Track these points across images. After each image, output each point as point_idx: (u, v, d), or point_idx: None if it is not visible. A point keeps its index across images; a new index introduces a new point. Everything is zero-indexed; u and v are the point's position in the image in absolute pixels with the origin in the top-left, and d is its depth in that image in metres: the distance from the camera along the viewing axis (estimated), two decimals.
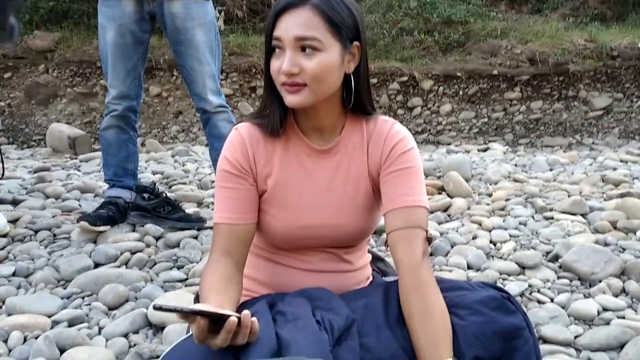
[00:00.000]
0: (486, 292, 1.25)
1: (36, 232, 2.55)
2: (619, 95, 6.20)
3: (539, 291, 2.00)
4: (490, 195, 3.20)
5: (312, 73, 1.21)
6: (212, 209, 2.76)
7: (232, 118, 2.59)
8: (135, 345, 1.71)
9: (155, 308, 0.96)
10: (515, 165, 4.15)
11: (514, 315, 1.20)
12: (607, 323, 1.77)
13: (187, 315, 1.02)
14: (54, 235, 2.54)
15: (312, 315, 1.19)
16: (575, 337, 1.72)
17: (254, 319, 1.06)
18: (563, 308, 1.87)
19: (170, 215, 2.64)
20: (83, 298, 1.99)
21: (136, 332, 1.79)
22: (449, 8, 6.74)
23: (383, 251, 2.28)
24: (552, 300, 1.94)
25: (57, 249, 2.38)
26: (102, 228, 2.47)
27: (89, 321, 1.85)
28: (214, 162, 2.54)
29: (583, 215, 2.77)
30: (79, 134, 4.94)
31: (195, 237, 2.52)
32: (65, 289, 2.05)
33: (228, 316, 1.01)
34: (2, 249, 2.38)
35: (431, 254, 2.36)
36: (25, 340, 1.72)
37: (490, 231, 2.59)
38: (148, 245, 2.42)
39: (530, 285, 2.03)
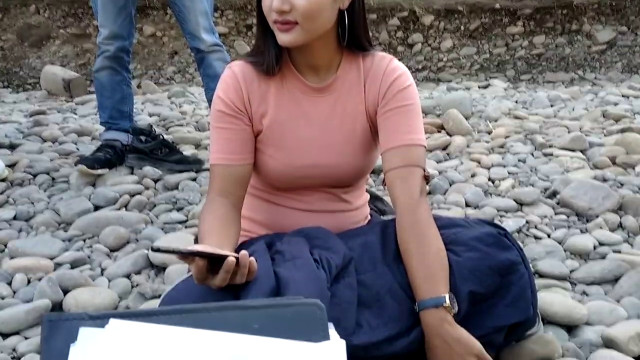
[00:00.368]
0: (482, 228, 1.25)
1: (35, 176, 2.55)
2: (624, 29, 6.06)
3: (536, 227, 2.02)
4: (490, 132, 3.18)
5: (303, 10, 1.17)
6: (210, 151, 2.75)
7: (227, 57, 2.54)
8: (137, 285, 1.73)
9: (154, 250, 0.96)
10: (516, 101, 4.10)
11: (509, 251, 1.21)
12: (603, 257, 1.79)
13: (186, 256, 1.03)
14: (53, 178, 2.54)
15: (310, 254, 1.20)
16: (571, 271, 1.74)
17: (252, 258, 1.07)
18: (559, 243, 1.89)
19: (168, 157, 2.63)
20: (84, 240, 2.01)
21: (138, 272, 1.81)
22: None
23: (381, 190, 2.29)
24: (549, 236, 1.96)
25: (57, 193, 2.39)
26: (100, 171, 2.46)
27: (91, 263, 1.87)
28: (210, 103, 2.51)
29: (582, 151, 2.75)
30: (74, 76, 4.87)
31: (194, 179, 2.52)
32: (66, 231, 2.07)
33: (226, 256, 1.02)
34: (2, 193, 2.38)
35: (430, 193, 2.37)
36: (28, 282, 1.74)
37: (489, 169, 2.59)
38: (147, 188, 2.43)
39: (527, 222, 2.05)
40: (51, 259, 1.86)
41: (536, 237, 1.96)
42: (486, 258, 1.18)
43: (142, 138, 2.64)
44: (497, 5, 5.99)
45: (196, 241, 1.42)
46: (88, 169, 2.43)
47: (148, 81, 5.60)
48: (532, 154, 2.78)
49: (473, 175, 2.53)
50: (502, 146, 2.91)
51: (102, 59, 2.51)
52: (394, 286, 1.20)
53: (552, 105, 3.92)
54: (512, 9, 6.01)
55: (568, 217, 2.09)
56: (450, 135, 3.07)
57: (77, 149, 2.93)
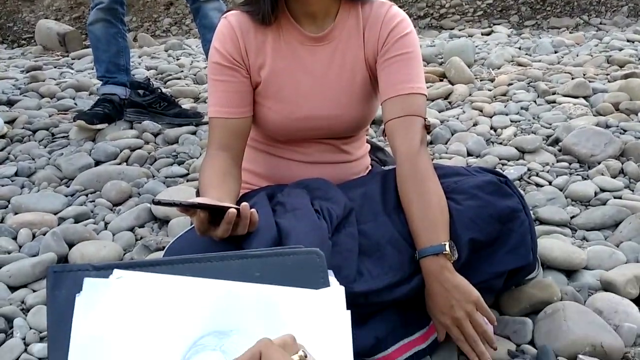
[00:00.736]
0: (483, 176, 1.25)
1: (34, 132, 2.55)
2: None
3: (537, 175, 2.02)
4: (492, 80, 3.14)
5: None
6: (208, 104, 2.73)
7: (223, 7, 2.49)
8: (141, 238, 1.75)
9: (155, 203, 0.97)
10: (519, 48, 4.04)
11: (510, 198, 1.21)
12: (604, 203, 1.80)
13: (187, 208, 1.03)
14: (52, 134, 2.53)
15: (311, 204, 1.20)
16: (572, 217, 1.75)
17: (253, 210, 1.08)
18: (561, 190, 1.89)
19: (167, 111, 2.61)
20: (87, 195, 2.02)
21: (141, 226, 1.83)
22: None
23: (382, 141, 2.28)
24: (550, 183, 1.96)
25: (57, 148, 2.39)
26: (99, 126, 2.45)
27: (95, 217, 1.89)
28: (207, 54, 2.48)
29: (586, 97, 2.73)
30: (68, 30, 4.79)
31: (194, 133, 2.51)
32: (68, 187, 2.08)
33: (227, 208, 1.02)
34: (2, 149, 2.39)
35: (431, 142, 2.36)
36: (33, 237, 1.76)
37: (491, 117, 2.57)
38: (147, 142, 2.42)
39: (529, 170, 2.05)
40: (55, 214, 1.88)
41: (537, 185, 1.96)
42: (487, 206, 1.19)
43: (140, 92, 2.62)
44: None
45: (197, 194, 1.42)
46: (87, 124, 2.41)
47: (144, 34, 5.51)
48: (535, 102, 2.76)
49: (475, 124, 2.51)
50: (504, 94, 2.88)
51: (96, 11, 2.46)
52: (394, 235, 1.21)
53: (555, 52, 3.86)
54: None
55: (570, 164, 2.08)
56: (452, 84, 3.04)
57: (75, 104, 2.92)
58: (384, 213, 1.24)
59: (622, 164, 2.04)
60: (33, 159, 2.29)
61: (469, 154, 2.23)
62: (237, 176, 1.29)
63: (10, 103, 2.91)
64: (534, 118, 2.55)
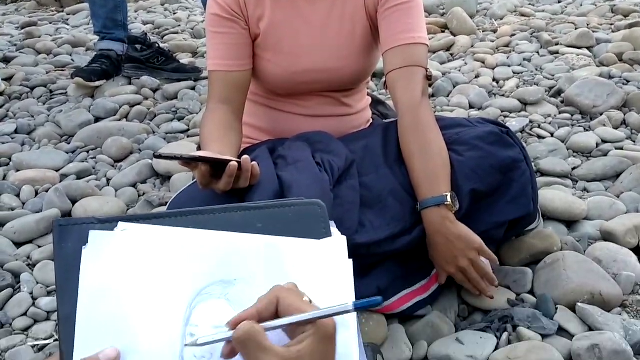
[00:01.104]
0: (485, 127, 1.25)
1: (32, 89, 2.53)
2: None
3: (539, 126, 2.01)
4: (495, 31, 3.09)
5: None
6: (207, 58, 2.70)
7: None
8: (144, 194, 1.76)
9: (156, 156, 0.97)
10: None
11: (511, 149, 1.21)
12: (605, 154, 1.80)
13: (188, 162, 1.03)
14: (51, 91, 2.51)
15: (312, 157, 1.20)
16: (573, 168, 1.75)
17: (255, 163, 1.08)
18: (562, 142, 1.89)
19: (165, 66, 2.58)
20: (88, 152, 2.02)
21: (144, 182, 1.83)
22: None
23: (383, 94, 2.26)
24: (552, 135, 1.95)
25: (56, 105, 2.37)
26: (97, 83, 2.43)
27: (97, 173, 1.89)
28: (205, 7, 2.43)
29: (589, 48, 2.69)
30: None
31: (193, 88, 2.49)
32: (68, 143, 2.08)
33: (228, 161, 1.02)
34: (1, 107, 2.37)
35: (433, 95, 2.34)
36: (36, 193, 1.77)
37: (493, 69, 2.54)
38: (146, 98, 2.40)
39: (531, 121, 2.04)
40: (56, 170, 1.88)
41: (539, 137, 1.95)
42: (488, 156, 1.19)
43: (138, 47, 2.58)
44: None
45: (199, 149, 1.42)
46: (85, 82, 2.39)
47: None
48: (538, 53, 2.72)
49: (477, 76, 2.49)
50: (507, 45, 2.84)
51: None
52: (396, 187, 1.21)
53: (559, 1, 3.77)
54: None
55: (572, 115, 2.07)
56: (454, 35, 2.99)
57: (73, 61, 2.88)
58: (385, 165, 1.24)
59: (625, 114, 2.03)
60: (32, 116, 2.28)
61: (471, 107, 2.22)
62: (238, 130, 1.28)
63: (6, 60, 2.88)
64: (536, 69, 2.53)
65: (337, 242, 0.63)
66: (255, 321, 0.53)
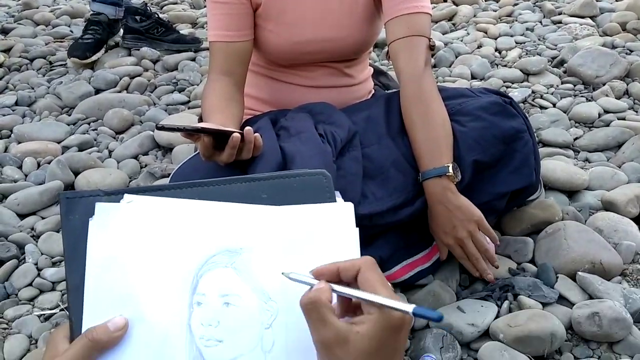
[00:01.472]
0: (488, 97, 1.24)
1: (31, 60, 2.51)
2: None
3: (541, 97, 2.00)
4: (497, 0, 3.05)
5: None
6: (207, 29, 2.67)
7: None
8: (146, 165, 1.76)
9: (158, 128, 0.97)
10: None
11: (514, 119, 1.21)
12: (607, 125, 1.79)
13: (191, 133, 1.03)
14: (50, 62, 2.49)
15: (315, 129, 1.20)
16: (575, 139, 1.75)
17: (257, 134, 1.07)
18: (564, 112, 1.88)
19: (165, 37, 2.56)
20: (89, 124, 2.01)
21: (145, 153, 1.83)
22: None
23: (385, 65, 2.24)
24: (554, 105, 1.95)
25: (56, 77, 2.36)
26: (93, 58, 2.41)
27: (98, 145, 1.89)
28: None
29: (592, 17, 2.66)
30: None
31: (193, 59, 2.47)
32: (69, 115, 2.07)
33: (231, 132, 1.02)
34: (0, 79, 2.36)
35: (435, 66, 2.32)
36: (38, 165, 1.77)
37: (496, 39, 2.52)
38: (146, 69, 2.39)
39: (533, 92, 2.03)
40: (58, 142, 1.88)
41: (541, 107, 1.95)
42: (491, 127, 1.18)
43: (137, 17, 2.55)
44: None
45: (200, 121, 1.42)
46: (80, 60, 2.37)
47: None
48: (541, 22, 2.69)
49: (479, 46, 2.47)
50: (509, 15, 2.81)
51: None
52: (398, 158, 1.21)
53: None
54: None
55: (574, 85, 2.06)
56: (456, 5, 2.95)
57: (71, 32, 2.85)
58: (387, 136, 1.24)
59: (627, 85, 2.02)
60: (32, 88, 2.27)
61: (473, 77, 2.20)
62: (240, 101, 1.28)
63: (4, 31, 2.85)
64: (539, 39, 2.50)
65: (343, 208, 0.63)
66: (333, 278, 0.54)
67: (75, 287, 0.58)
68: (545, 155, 1.64)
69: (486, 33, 2.59)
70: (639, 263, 1.29)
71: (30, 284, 1.36)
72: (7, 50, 2.57)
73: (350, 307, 0.55)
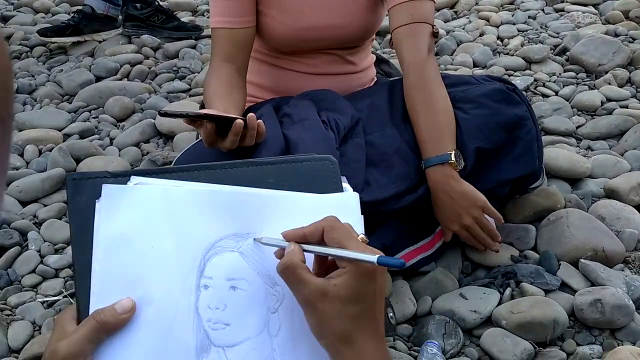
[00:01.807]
0: (491, 85, 1.24)
1: (31, 48, 2.50)
2: None
3: (544, 85, 1.99)
4: None
5: None
6: (208, 17, 2.65)
7: None
8: (147, 153, 1.76)
9: (161, 114, 0.96)
10: None
11: (517, 106, 1.20)
12: (610, 113, 1.79)
13: (194, 120, 1.03)
14: (50, 50, 2.48)
15: (318, 116, 1.19)
16: (577, 127, 1.75)
17: (260, 121, 1.07)
18: (567, 100, 1.88)
19: (165, 24, 2.54)
20: (90, 111, 2.01)
21: (147, 141, 1.83)
22: None
23: (387, 53, 2.23)
24: (556, 93, 1.94)
25: (56, 65, 2.35)
26: (54, 39, 2.41)
27: (99, 133, 1.88)
28: None
29: (595, 5, 2.64)
30: None
31: (194, 47, 2.46)
32: (70, 103, 2.06)
33: (234, 119, 1.02)
34: None
35: (437, 54, 2.31)
36: (40, 153, 1.77)
37: (498, 27, 2.50)
38: (147, 57, 2.38)
39: (535, 80, 2.02)
40: (59, 130, 1.88)
41: (544, 95, 1.94)
42: (494, 114, 1.18)
43: (137, 5, 2.53)
44: None
45: (202, 108, 1.42)
46: (39, 36, 2.40)
47: None
48: (543, 10, 2.67)
49: (481, 34, 2.45)
50: (512, 2, 2.79)
51: None
52: (401, 145, 1.21)
53: None
54: None
55: (577, 73, 2.05)
56: None
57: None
58: (391, 123, 1.24)
59: (630, 73, 2.01)
60: (32, 76, 2.26)
61: (475, 65, 2.20)
62: (242, 88, 1.27)
63: (4, 19, 2.83)
64: (541, 27, 2.49)
65: (349, 197, 0.63)
66: (300, 240, 0.57)
67: (82, 270, 0.58)
68: (547, 143, 1.63)
69: (488, 21, 2.58)
70: None
71: (33, 271, 1.36)
72: (7, 38, 2.56)
73: (329, 267, 0.58)
